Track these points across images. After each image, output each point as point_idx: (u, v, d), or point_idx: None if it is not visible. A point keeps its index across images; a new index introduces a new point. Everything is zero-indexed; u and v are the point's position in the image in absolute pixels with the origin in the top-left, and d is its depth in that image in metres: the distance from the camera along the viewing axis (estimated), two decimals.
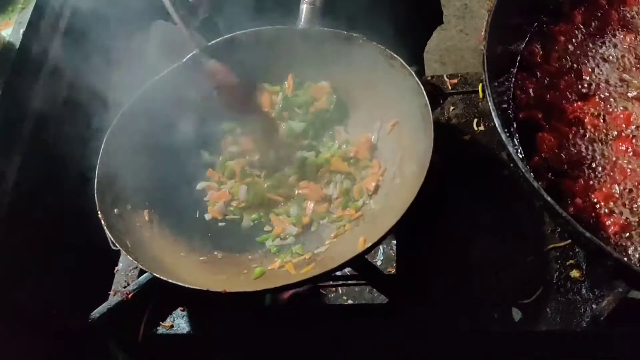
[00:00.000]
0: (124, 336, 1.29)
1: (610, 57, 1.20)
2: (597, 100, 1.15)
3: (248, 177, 1.40)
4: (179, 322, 1.29)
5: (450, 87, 1.49)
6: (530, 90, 1.17)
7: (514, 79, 1.20)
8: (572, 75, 1.19)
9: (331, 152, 1.39)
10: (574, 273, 1.21)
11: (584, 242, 0.89)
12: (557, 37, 1.23)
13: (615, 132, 1.11)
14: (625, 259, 0.95)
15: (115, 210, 1.26)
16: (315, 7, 1.41)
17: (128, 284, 1.28)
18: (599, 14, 1.25)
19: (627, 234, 0.99)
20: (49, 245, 1.48)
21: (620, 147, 1.08)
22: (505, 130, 1.02)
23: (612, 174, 1.06)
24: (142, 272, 1.28)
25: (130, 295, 1.20)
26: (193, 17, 1.41)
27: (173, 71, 1.41)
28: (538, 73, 1.20)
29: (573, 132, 1.12)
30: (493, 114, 1.01)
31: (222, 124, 1.46)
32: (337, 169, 1.37)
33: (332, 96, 1.43)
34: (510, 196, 1.30)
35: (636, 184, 1.04)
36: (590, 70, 1.19)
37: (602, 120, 1.13)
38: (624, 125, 1.10)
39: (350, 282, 1.54)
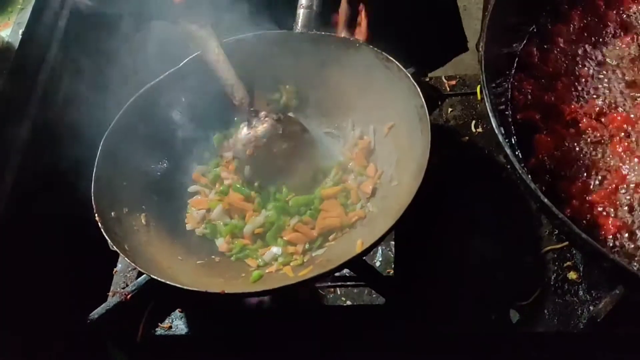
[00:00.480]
0: (123, 337, 1.29)
1: (608, 58, 1.21)
2: (595, 101, 1.15)
3: (236, 193, 1.35)
4: (177, 324, 1.29)
5: (448, 89, 1.50)
6: (528, 92, 1.18)
7: (511, 80, 1.20)
8: (570, 76, 1.19)
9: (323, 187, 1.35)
10: (572, 275, 1.21)
11: (580, 244, 0.89)
12: (554, 38, 1.24)
13: (613, 134, 1.11)
14: (622, 260, 0.95)
15: (112, 213, 1.25)
16: (312, 11, 1.41)
17: (127, 285, 1.28)
18: (597, 15, 1.26)
19: (624, 236, 1.00)
20: (47, 246, 1.49)
21: (618, 149, 1.08)
22: (503, 131, 1.02)
23: (609, 175, 1.07)
24: (140, 273, 1.28)
25: (129, 297, 1.20)
26: None
27: (172, 74, 1.41)
28: (536, 74, 1.21)
29: (570, 133, 1.12)
30: (490, 115, 1.01)
31: (221, 129, 1.45)
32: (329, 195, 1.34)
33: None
34: (508, 198, 1.30)
35: (633, 185, 1.04)
36: (587, 71, 1.19)
37: (599, 122, 1.13)
38: (621, 127, 1.10)
39: (349, 283, 1.55)
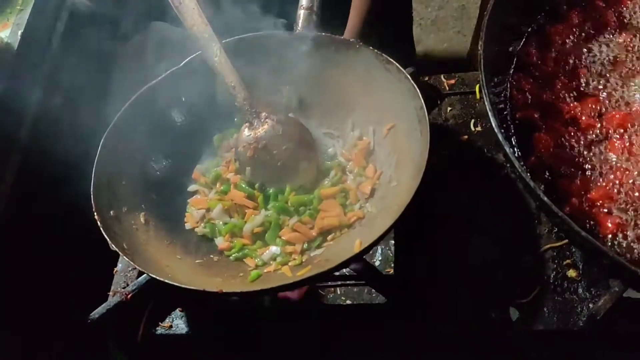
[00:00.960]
0: (123, 336, 1.29)
1: (607, 58, 1.21)
2: (593, 100, 1.15)
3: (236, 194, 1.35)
4: (177, 323, 1.29)
5: (447, 88, 1.50)
6: (527, 91, 1.18)
7: (510, 80, 1.20)
8: (569, 75, 1.20)
9: (322, 187, 1.36)
10: (571, 273, 1.22)
11: (580, 242, 0.89)
12: (553, 37, 1.24)
13: (611, 132, 1.11)
14: (621, 257, 0.95)
15: (111, 212, 1.26)
16: (312, 12, 1.41)
17: (127, 285, 1.28)
18: (596, 15, 1.26)
19: (623, 233, 1.00)
20: (47, 246, 1.49)
21: (616, 147, 1.09)
22: (502, 130, 1.03)
23: (608, 173, 1.07)
24: (141, 273, 1.28)
25: (129, 296, 1.20)
26: None
27: (172, 74, 1.41)
28: (535, 73, 1.21)
29: (569, 132, 1.12)
30: (490, 114, 1.02)
31: (222, 129, 1.46)
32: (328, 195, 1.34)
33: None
34: (507, 196, 1.31)
35: (632, 183, 1.05)
36: (586, 70, 1.20)
37: (598, 120, 1.13)
38: (619, 125, 1.11)
39: (348, 282, 1.55)
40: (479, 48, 1.10)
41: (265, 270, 1.25)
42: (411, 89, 1.27)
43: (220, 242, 1.31)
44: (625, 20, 1.25)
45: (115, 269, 1.36)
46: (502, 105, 1.16)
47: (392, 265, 1.31)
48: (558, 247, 1.24)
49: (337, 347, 1.32)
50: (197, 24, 1.35)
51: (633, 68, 1.18)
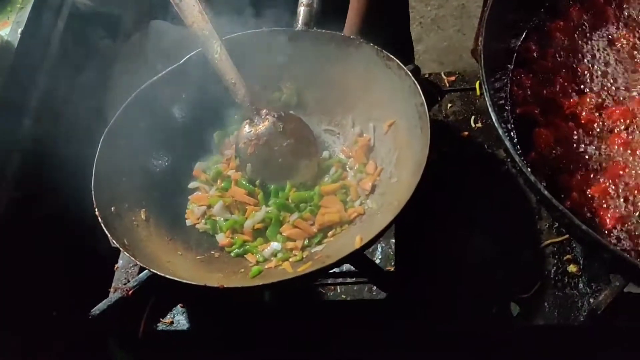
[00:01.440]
0: (125, 332, 1.29)
1: (606, 53, 1.21)
2: (593, 95, 1.16)
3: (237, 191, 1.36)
4: (179, 319, 1.29)
5: (447, 85, 1.50)
6: (527, 87, 1.18)
7: (511, 75, 1.20)
8: (569, 71, 1.20)
9: (323, 184, 1.36)
10: (571, 268, 1.22)
11: (580, 235, 0.89)
12: (553, 33, 1.24)
13: (611, 127, 1.11)
14: (621, 250, 0.95)
15: (112, 209, 1.26)
16: (312, 9, 1.42)
17: (128, 281, 1.28)
18: (595, 11, 1.26)
19: (623, 227, 1.00)
20: (48, 243, 1.49)
21: (616, 142, 1.09)
22: (503, 125, 1.03)
23: (608, 168, 1.07)
24: (142, 269, 1.29)
25: (130, 292, 1.21)
26: None
27: (173, 71, 1.41)
28: (535, 69, 1.21)
29: (570, 127, 1.12)
30: (490, 109, 1.02)
31: (221, 126, 1.46)
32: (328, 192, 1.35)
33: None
34: (508, 192, 1.31)
35: (632, 178, 1.05)
36: (586, 66, 1.20)
37: (598, 116, 1.13)
38: (619, 120, 1.11)
39: (349, 281, 1.55)
40: (479, 44, 1.10)
41: (266, 266, 1.26)
42: (412, 86, 1.27)
43: (221, 238, 1.32)
44: (625, 16, 1.25)
45: (116, 266, 1.36)
46: (502, 101, 1.16)
47: (393, 263, 1.31)
48: (558, 243, 1.25)
49: (337, 344, 1.32)
50: (197, 21, 1.35)
51: (633, 63, 1.18)
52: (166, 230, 1.31)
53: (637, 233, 1.00)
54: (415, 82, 1.27)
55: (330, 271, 1.42)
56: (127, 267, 1.35)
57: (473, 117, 1.45)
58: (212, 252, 1.31)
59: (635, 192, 1.04)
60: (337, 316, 1.29)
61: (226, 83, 1.36)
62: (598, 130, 1.12)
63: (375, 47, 1.34)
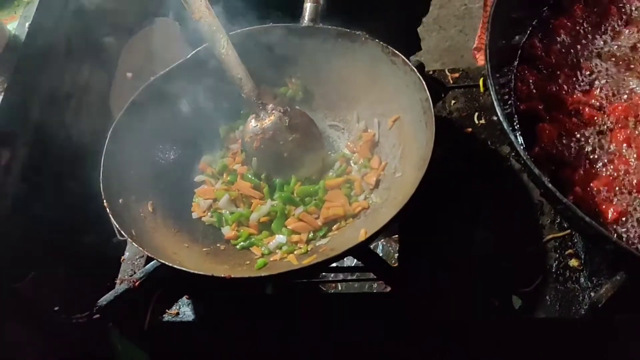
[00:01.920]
0: (131, 323, 1.30)
1: (609, 50, 1.23)
2: (596, 91, 1.17)
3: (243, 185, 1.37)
4: (184, 310, 1.30)
5: (451, 81, 1.51)
6: (531, 83, 1.19)
7: (515, 72, 1.22)
8: (572, 68, 1.21)
9: (328, 178, 1.38)
10: (573, 262, 1.23)
11: (583, 227, 0.91)
12: (557, 30, 1.26)
13: (614, 123, 1.13)
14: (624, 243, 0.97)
15: (120, 200, 1.27)
16: (319, 5, 1.43)
17: (134, 273, 1.29)
18: (599, 9, 1.28)
19: (625, 221, 1.02)
20: (55, 235, 1.50)
21: (619, 137, 1.11)
22: (507, 120, 1.04)
23: (610, 163, 1.09)
24: (148, 260, 1.30)
25: (137, 283, 1.22)
26: None
27: (179, 65, 1.42)
28: (539, 66, 1.22)
29: (573, 122, 1.14)
30: (495, 104, 1.03)
31: (227, 121, 1.47)
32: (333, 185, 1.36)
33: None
34: (510, 188, 1.32)
35: (634, 172, 1.06)
36: (589, 63, 1.22)
37: (601, 112, 1.15)
38: (622, 116, 1.13)
39: (350, 278, 1.56)
40: (485, 40, 1.11)
41: (271, 259, 1.27)
42: (417, 82, 1.29)
43: (227, 231, 1.33)
44: (628, 13, 1.27)
45: (123, 257, 1.37)
46: (506, 97, 1.17)
47: (393, 261, 1.33)
48: (560, 238, 1.26)
49: (341, 336, 1.33)
50: (204, 17, 1.36)
51: (636, 60, 1.20)
52: (173, 222, 1.32)
53: (639, 226, 1.01)
54: (420, 77, 1.28)
55: (334, 266, 1.44)
56: (133, 258, 1.36)
57: (477, 113, 1.46)
58: (218, 245, 1.32)
59: (638, 186, 1.05)
60: (340, 309, 1.30)
61: (232, 78, 1.37)
62: (601, 126, 1.14)
63: (381, 42, 1.36)
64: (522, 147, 1.02)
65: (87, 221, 1.46)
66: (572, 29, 1.26)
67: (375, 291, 1.38)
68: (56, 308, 1.46)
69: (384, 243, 1.57)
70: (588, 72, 1.20)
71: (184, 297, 1.32)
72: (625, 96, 1.16)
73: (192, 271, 1.12)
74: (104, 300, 1.23)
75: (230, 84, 1.39)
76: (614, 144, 1.11)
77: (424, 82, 1.27)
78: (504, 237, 1.28)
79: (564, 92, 1.18)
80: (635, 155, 1.09)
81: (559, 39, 1.25)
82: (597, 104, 1.16)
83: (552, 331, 1.20)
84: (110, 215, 1.21)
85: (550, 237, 1.26)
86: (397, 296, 1.26)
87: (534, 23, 1.28)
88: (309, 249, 1.28)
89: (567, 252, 1.24)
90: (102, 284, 1.32)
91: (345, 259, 1.45)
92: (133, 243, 1.18)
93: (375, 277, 1.31)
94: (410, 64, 1.31)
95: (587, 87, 1.19)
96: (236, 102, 1.43)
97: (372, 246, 1.46)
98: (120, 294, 1.23)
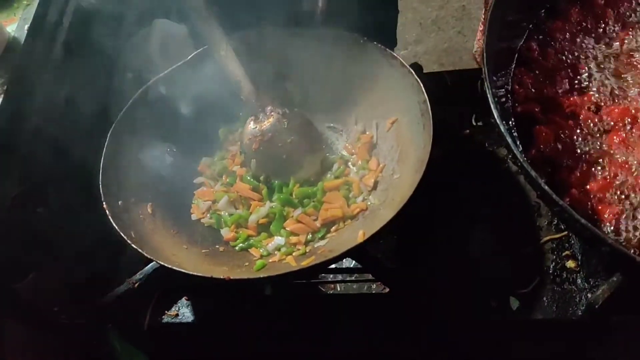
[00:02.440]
0: (130, 324, 1.31)
1: (605, 53, 1.23)
2: (593, 94, 1.18)
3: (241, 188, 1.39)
4: (184, 311, 1.31)
5: (449, 83, 1.52)
6: (528, 85, 1.20)
7: (512, 75, 1.22)
8: (569, 70, 1.22)
9: (326, 180, 1.38)
10: (570, 263, 1.24)
11: (579, 229, 0.92)
12: (554, 33, 1.27)
13: (610, 125, 1.14)
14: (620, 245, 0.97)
15: (119, 202, 1.28)
16: (317, 8, 1.44)
17: (134, 274, 1.30)
18: (595, 12, 1.28)
19: (622, 222, 1.02)
20: (54, 237, 1.50)
21: (615, 140, 1.11)
22: (504, 122, 1.05)
23: (606, 165, 1.09)
24: (147, 262, 1.31)
25: (136, 285, 1.23)
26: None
27: (178, 68, 1.43)
28: (536, 69, 1.23)
29: (570, 125, 1.14)
30: (492, 106, 1.04)
31: (226, 123, 1.48)
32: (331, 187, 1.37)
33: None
34: (508, 189, 1.33)
35: (629, 174, 1.07)
36: (585, 65, 1.22)
37: (597, 114, 1.16)
38: (618, 119, 1.13)
39: (348, 279, 1.57)
40: (482, 43, 1.12)
41: (270, 260, 1.28)
42: (414, 84, 1.30)
43: (226, 232, 1.33)
44: (623, 16, 1.28)
45: (123, 259, 1.38)
46: (504, 99, 1.18)
47: (395, 259, 1.33)
48: (557, 239, 1.27)
49: (339, 337, 1.33)
50: (204, 20, 1.37)
51: (631, 63, 1.20)
52: (172, 224, 1.33)
53: (634, 228, 1.02)
54: (418, 80, 1.29)
55: (333, 268, 1.45)
56: (133, 260, 1.37)
57: (474, 115, 1.47)
58: (217, 246, 1.33)
59: (633, 188, 1.06)
60: (339, 310, 1.31)
61: (232, 80, 1.38)
62: (597, 128, 1.14)
63: (379, 45, 1.37)
64: (518, 149, 1.02)
65: (87, 223, 1.47)
66: (568, 32, 1.26)
67: (374, 292, 1.39)
68: (56, 308, 1.46)
69: (383, 243, 1.58)
70: (584, 75, 1.21)
71: (184, 299, 1.32)
72: (622, 98, 1.16)
73: (191, 272, 1.13)
74: (103, 301, 1.24)
75: (229, 86, 1.39)
76: (610, 146, 1.11)
77: (421, 84, 1.29)
78: (501, 239, 1.29)
79: (560, 95, 1.19)
80: (631, 157, 1.10)
81: (555, 41, 1.25)
82: (594, 106, 1.16)
83: (550, 332, 1.21)
84: (110, 218, 1.21)
85: (548, 238, 1.27)
86: (395, 297, 1.27)
87: (530, 26, 1.28)
88: (307, 251, 1.29)
89: (564, 254, 1.25)
90: (101, 286, 1.33)
91: (344, 260, 1.46)
92: (132, 245, 1.19)
93: (373, 278, 1.32)
94: (407, 66, 1.33)
95: (584, 90, 1.19)
96: (235, 105, 1.44)
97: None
98: (119, 295, 1.24)
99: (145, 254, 1.18)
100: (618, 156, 1.10)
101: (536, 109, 1.17)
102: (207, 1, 1.37)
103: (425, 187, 1.15)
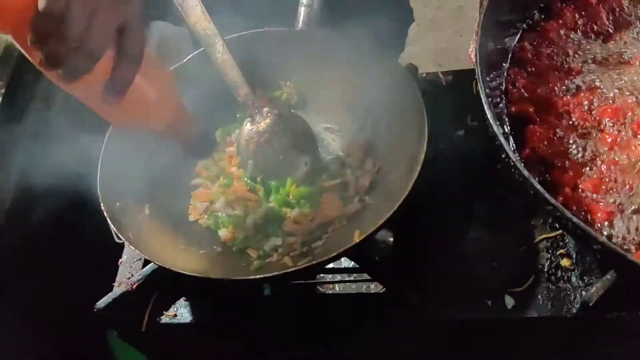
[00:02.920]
0: (129, 325, 1.31)
1: (599, 53, 1.24)
2: (586, 94, 1.19)
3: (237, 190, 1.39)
4: (182, 312, 1.32)
5: (444, 84, 1.53)
6: (522, 85, 1.21)
7: (506, 75, 1.23)
8: (562, 70, 1.23)
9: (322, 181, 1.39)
10: (564, 262, 1.25)
11: (571, 228, 0.92)
12: (547, 33, 1.27)
13: (603, 125, 1.15)
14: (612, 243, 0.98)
15: (117, 204, 1.28)
16: (313, 9, 1.44)
17: (132, 275, 1.31)
18: (589, 12, 1.29)
19: (614, 222, 1.03)
20: (52, 239, 1.51)
21: (608, 139, 1.12)
22: (497, 122, 1.06)
23: (599, 164, 1.10)
24: (146, 263, 1.32)
25: (134, 286, 1.24)
26: None
27: (175, 70, 1.44)
28: (529, 68, 1.24)
29: (563, 124, 1.16)
30: (485, 106, 1.05)
31: (223, 124, 1.49)
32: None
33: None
34: (502, 189, 1.33)
35: (622, 174, 1.08)
36: (579, 65, 1.23)
37: (590, 114, 1.17)
38: (611, 118, 1.14)
39: (347, 279, 1.58)
40: (476, 43, 1.13)
41: (267, 261, 1.28)
42: (410, 84, 1.31)
43: (223, 233, 1.34)
44: (617, 16, 1.29)
45: (120, 260, 1.39)
46: (497, 99, 1.19)
47: (391, 258, 1.34)
48: (552, 238, 1.27)
49: (338, 336, 1.34)
50: (200, 21, 1.38)
51: (624, 62, 1.21)
52: (169, 225, 1.34)
53: (627, 227, 1.03)
54: (413, 80, 1.30)
55: (331, 268, 1.46)
56: (131, 261, 1.37)
57: (469, 115, 1.48)
58: (215, 247, 1.33)
59: (626, 187, 1.07)
60: (337, 309, 1.32)
61: (228, 82, 1.39)
62: (590, 128, 1.15)
63: (374, 45, 1.38)
64: (512, 149, 1.03)
65: (85, 224, 1.48)
66: (562, 32, 1.27)
67: (372, 292, 1.39)
68: (54, 310, 1.47)
69: (379, 243, 1.58)
70: (578, 75, 1.22)
71: (182, 299, 1.33)
72: (615, 99, 1.17)
73: (189, 273, 1.14)
74: (102, 302, 1.24)
75: (226, 87, 1.40)
76: (603, 146, 1.12)
77: (416, 85, 1.29)
78: (496, 238, 1.30)
79: (554, 95, 1.19)
80: (624, 156, 1.11)
81: (549, 41, 1.26)
82: (587, 106, 1.17)
83: (545, 330, 1.22)
84: (108, 219, 1.22)
85: (542, 237, 1.28)
86: (391, 296, 1.27)
87: (524, 26, 1.29)
88: (304, 251, 1.30)
89: (558, 252, 1.26)
90: (100, 287, 1.33)
91: (342, 261, 1.47)
92: (130, 246, 1.19)
93: (371, 278, 1.33)
94: (403, 67, 1.33)
95: (577, 90, 1.20)
96: (232, 106, 1.45)
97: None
98: (118, 297, 1.24)
99: (144, 255, 1.19)
100: (611, 155, 1.11)
101: (530, 109, 1.18)
102: (204, 3, 1.38)
103: (420, 187, 1.16)
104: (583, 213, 1.06)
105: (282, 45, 1.46)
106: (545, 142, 1.13)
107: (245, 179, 1.39)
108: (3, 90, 1.49)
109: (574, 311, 1.18)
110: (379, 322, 1.28)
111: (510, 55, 1.26)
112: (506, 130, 1.15)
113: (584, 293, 1.19)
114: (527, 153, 1.13)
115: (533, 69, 1.24)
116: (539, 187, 0.94)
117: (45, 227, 1.50)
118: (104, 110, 1.10)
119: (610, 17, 1.29)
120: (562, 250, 1.26)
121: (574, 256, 1.24)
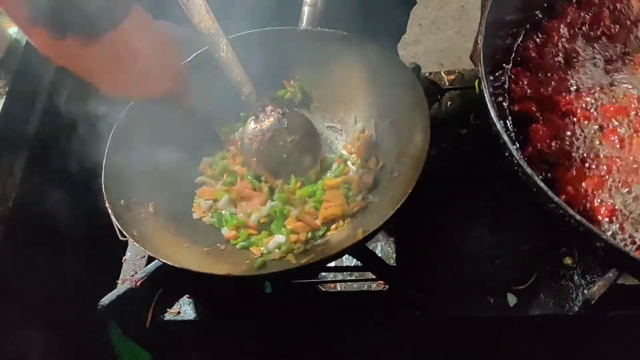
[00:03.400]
0: (133, 322, 1.32)
1: (602, 52, 1.25)
2: (589, 93, 1.19)
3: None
4: (185, 309, 1.32)
5: (447, 83, 1.54)
6: (525, 84, 1.21)
7: (509, 74, 1.24)
8: (565, 69, 1.23)
9: (326, 179, 1.39)
10: (567, 260, 1.25)
11: (574, 226, 0.93)
12: (550, 33, 1.28)
13: (606, 124, 1.15)
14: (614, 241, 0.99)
15: (121, 202, 1.29)
16: (317, 8, 1.45)
17: (136, 273, 1.31)
18: (591, 11, 1.30)
19: (616, 219, 1.04)
20: (56, 237, 1.52)
21: (610, 138, 1.12)
22: (501, 121, 1.06)
23: (602, 163, 1.11)
24: (149, 260, 1.32)
25: (138, 283, 1.24)
26: None
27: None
28: (532, 68, 1.24)
29: (565, 123, 1.16)
30: (489, 105, 1.05)
31: (227, 123, 1.49)
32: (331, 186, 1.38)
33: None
34: (505, 187, 1.34)
35: (625, 172, 1.09)
36: (582, 64, 1.23)
37: (593, 113, 1.17)
38: (614, 118, 1.15)
39: (349, 278, 1.58)
40: (479, 42, 1.14)
41: (270, 258, 1.29)
42: (413, 84, 1.31)
43: (227, 231, 1.35)
44: (620, 16, 1.29)
45: (124, 258, 1.39)
46: (500, 98, 1.19)
47: (391, 261, 1.34)
48: (554, 236, 1.28)
49: (340, 334, 1.35)
50: (204, 20, 1.38)
51: (627, 62, 1.22)
52: (173, 223, 1.34)
53: (629, 225, 1.04)
54: (417, 79, 1.31)
55: (334, 266, 1.46)
56: (135, 259, 1.38)
57: (472, 114, 1.48)
58: (218, 245, 1.34)
59: (628, 186, 1.08)
60: (340, 307, 1.32)
61: (232, 81, 1.39)
62: (593, 126, 1.16)
63: (378, 45, 1.38)
64: (515, 148, 1.04)
65: (89, 222, 1.48)
66: (565, 31, 1.28)
67: (374, 290, 1.40)
68: (58, 307, 1.47)
69: (383, 243, 1.59)
70: (580, 74, 1.22)
71: (185, 296, 1.33)
72: (618, 97, 1.18)
73: (193, 269, 1.14)
74: (106, 300, 1.25)
75: (230, 86, 1.41)
76: (605, 144, 1.13)
77: (419, 84, 1.30)
78: (499, 236, 1.30)
79: (556, 94, 1.20)
80: (627, 155, 1.11)
81: (552, 41, 1.27)
82: (589, 105, 1.18)
83: (547, 328, 1.22)
84: (112, 216, 1.23)
85: (545, 235, 1.28)
86: (394, 294, 1.28)
87: (527, 25, 1.30)
88: (307, 248, 1.30)
89: (561, 251, 1.26)
90: (104, 284, 1.34)
91: (345, 259, 1.47)
92: (135, 243, 1.20)
93: (374, 276, 1.33)
94: (406, 65, 1.34)
95: (580, 89, 1.21)
96: (236, 105, 1.45)
97: (370, 246, 1.48)
98: (122, 294, 1.25)
99: (148, 252, 1.20)
100: (614, 154, 1.11)
101: (533, 108, 1.18)
102: (207, 2, 1.38)
103: (423, 185, 1.16)
104: (585, 211, 1.06)
105: (286, 44, 1.46)
106: (548, 141, 1.14)
107: (249, 177, 1.40)
108: (7, 88, 1.49)
109: (576, 309, 1.19)
110: (382, 320, 1.29)
111: (513, 54, 1.27)
112: (509, 128, 1.15)
113: (586, 291, 1.19)
114: (530, 152, 1.13)
115: (536, 68, 1.24)
116: (542, 185, 0.95)
117: (49, 225, 1.50)
118: (99, 78, 1.09)
119: (613, 16, 1.29)
120: (564, 249, 1.26)
121: (576, 254, 1.25)
